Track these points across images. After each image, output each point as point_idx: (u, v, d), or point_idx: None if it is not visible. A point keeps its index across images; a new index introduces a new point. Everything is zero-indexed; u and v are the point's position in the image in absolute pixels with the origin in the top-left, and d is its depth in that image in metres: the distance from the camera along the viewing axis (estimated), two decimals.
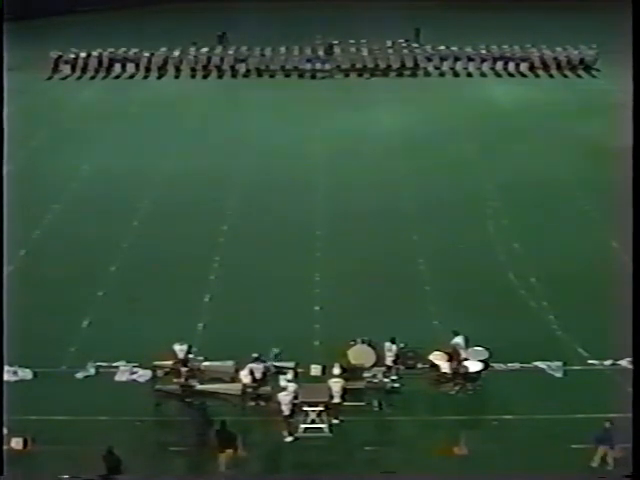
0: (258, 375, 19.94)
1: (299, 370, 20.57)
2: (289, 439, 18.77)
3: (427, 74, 49.38)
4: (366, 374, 20.21)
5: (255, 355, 20.24)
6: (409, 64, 49.80)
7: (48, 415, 19.20)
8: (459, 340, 20.99)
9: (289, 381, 19.30)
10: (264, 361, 20.28)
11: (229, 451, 17.76)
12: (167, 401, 19.90)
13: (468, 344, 21.00)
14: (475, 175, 33.53)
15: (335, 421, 19.19)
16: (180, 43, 51.06)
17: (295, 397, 18.95)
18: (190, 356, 20.80)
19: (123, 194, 31.63)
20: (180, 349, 20.67)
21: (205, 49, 50.79)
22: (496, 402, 20.08)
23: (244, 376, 19.76)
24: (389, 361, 20.67)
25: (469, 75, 49.49)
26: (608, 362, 21.39)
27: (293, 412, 18.90)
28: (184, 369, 20.12)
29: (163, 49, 50.44)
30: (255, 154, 35.86)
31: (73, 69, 49.45)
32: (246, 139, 37.73)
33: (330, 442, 18.82)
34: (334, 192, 31.83)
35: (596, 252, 27.15)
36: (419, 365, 20.86)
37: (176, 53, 50.27)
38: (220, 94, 45.64)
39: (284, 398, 18.85)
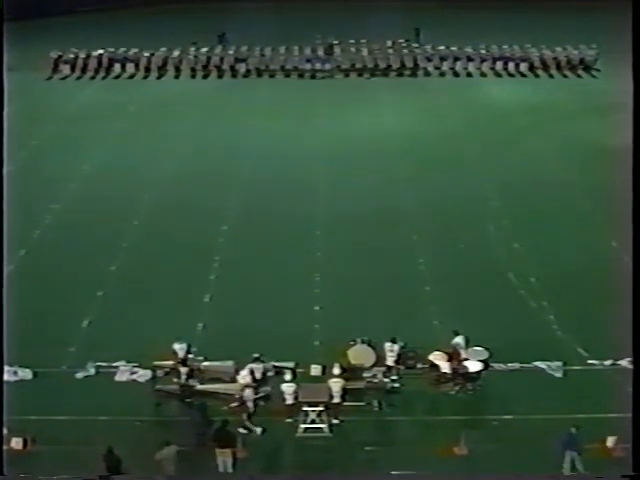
0: (258, 375, 19.97)
1: (299, 370, 20.60)
2: (243, 431, 18.84)
3: (427, 74, 49.38)
4: (366, 374, 20.24)
5: (256, 355, 20.27)
6: (409, 64, 49.80)
7: (48, 415, 19.22)
8: (459, 340, 21.01)
9: (288, 381, 19.34)
10: (264, 361, 20.31)
11: (173, 446, 17.59)
12: (167, 401, 19.91)
13: (468, 344, 21.02)
14: (475, 175, 33.53)
15: (335, 421, 19.21)
16: (180, 43, 51.06)
17: (256, 393, 19.40)
18: (190, 356, 20.84)
19: (123, 194, 31.61)
20: (180, 348, 20.72)
21: (205, 49, 50.82)
22: (496, 402, 20.09)
23: (244, 376, 19.78)
24: (391, 361, 20.69)
25: (469, 75, 49.49)
26: (608, 362, 21.40)
27: (256, 408, 19.04)
28: (184, 369, 20.12)
29: (163, 49, 50.42)
30: (255, 154, 35.84)
31: (73, 69, 49.42)
32: (246, 139, 37.71)
33: (330, 442, 18.84)
34: (334, 192, 31.82)
35: (596, 252, 27.16)
36: (419, 365, 20.91)
37: (176, 53, 50.26)
38: (220, 94, 45.61)
39: (249, 395, 19.05)
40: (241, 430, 18.86)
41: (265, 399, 19.80)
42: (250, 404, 19.19)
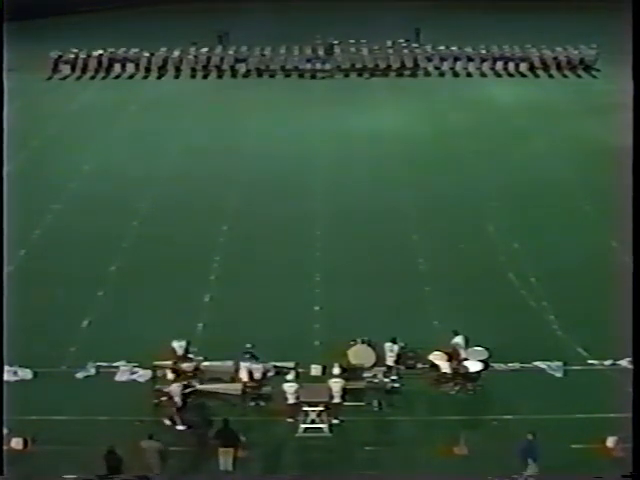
0: (257, 375, 19.97)
1: (299, 370, 20.59)
2: (181, 428, 18.98)
3: (427, 74, 49.41)
4: (366, 374, 20.25)
5: (248, 345, 20.24)
6: (409, 64, 49.82)
7: (48, 415, 19.21)
8: (459, 340, 20.99)
9: (290, 380, 19.34)
10: (254, 354, 20.22)
11: (157, 443, 17.66)
12: (167, 401, 19.89)
13: (468, 344, 21.01)
14: (475, 175, 33.53)
15: (335, 421, 19.20)
16: (180, 43, 51.08)
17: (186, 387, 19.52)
18: (190, 355, 20.83)
19: (123, 194, 31.61)
20: (179, 345, 20.72)
21: (205, 49, 50.82)
22: (496, 402, 20.08)
23: (242, 375, 19.79)
24: (391, 361, 20.68)
25: (469, 75, 49.50)
26: (608, 362, 21.38)
27: (185, 403, 19.20)
28: (184, 368, 20.12)
29: (163, 49, 50.45)
30: (255, 154, 35.85)
31: (73, 69, 49.45)
32: (246, 139, 37.72)
33: (330, 442, 18.84)
34: (334, 192, 31.81)
35: (596, 252, 27.16)
36: (419, 365, 20.92)
37: (176, 53, 50.30)
38: (220, 94, 45.60)
39: (175, 390, 19.11)
40: (167, 422, 19.02)
41: (265, 399, 19.82)
42: (177, 399, 19.16)
